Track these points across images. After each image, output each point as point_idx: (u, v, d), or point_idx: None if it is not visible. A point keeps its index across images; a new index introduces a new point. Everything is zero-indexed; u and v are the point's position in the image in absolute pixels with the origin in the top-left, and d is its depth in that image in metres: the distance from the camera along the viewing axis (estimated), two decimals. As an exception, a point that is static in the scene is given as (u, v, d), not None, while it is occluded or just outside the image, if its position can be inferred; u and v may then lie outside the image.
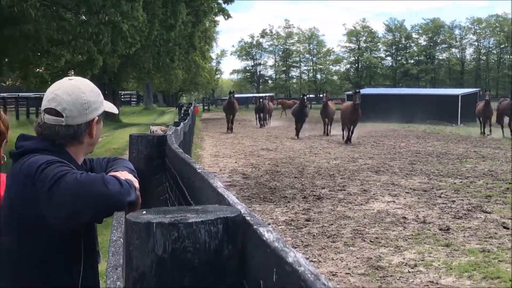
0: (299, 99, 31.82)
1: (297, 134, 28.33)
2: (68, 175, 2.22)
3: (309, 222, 9.86)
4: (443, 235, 8.91)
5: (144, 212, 1.25)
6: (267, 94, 74.25)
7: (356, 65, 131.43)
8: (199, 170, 2.06)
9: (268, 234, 1.07)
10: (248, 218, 1.21)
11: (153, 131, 6.90)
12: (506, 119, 27.61)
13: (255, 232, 1.12)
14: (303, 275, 0.88)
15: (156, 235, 1.16)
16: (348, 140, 25.28)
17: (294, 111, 29.71)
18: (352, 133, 25.63)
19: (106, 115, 2.76)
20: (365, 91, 60.06)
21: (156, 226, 1.16)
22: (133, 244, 1.19)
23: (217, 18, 63.63)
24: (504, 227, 9.35)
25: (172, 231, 1.16)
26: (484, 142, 25.65)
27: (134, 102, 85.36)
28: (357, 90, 27.24)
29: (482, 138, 28.04)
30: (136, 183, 2.47)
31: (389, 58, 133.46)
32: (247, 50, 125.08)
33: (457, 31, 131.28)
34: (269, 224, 9.55)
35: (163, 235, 1.16)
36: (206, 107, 76.65)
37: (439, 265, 7.33)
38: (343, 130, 26.48)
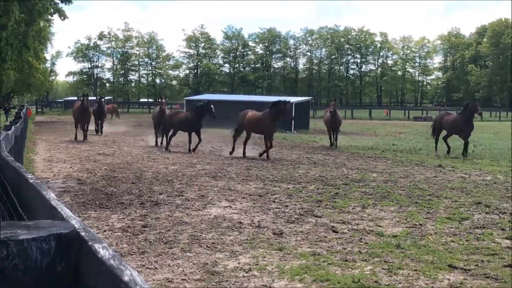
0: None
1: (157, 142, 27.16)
2: None
3: (146, 229, 9.79)
4: (276, 239, 9.20)
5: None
6: (106, 98, 72.50)
7: (195, 71, 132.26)
8: (31, 181, 1.99)
9: (104, 251, 1.07)
10: (82, 233, 1.19)
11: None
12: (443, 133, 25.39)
13: (90, 249, 1.11)
14: (139, 294, 0.89)
15: (-18, 254, 1.11)
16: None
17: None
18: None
19: None
20: (204, 97, 60.61)
21: (-17, 244, 1.11)
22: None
23: (53, 18, 61.22)
24: (333, 231, 9.83)
25: (1, 249, 1.12)
26: (315, 148, 26.81)
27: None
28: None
29: (331, 147, 27.04)
30: None
31: (227, 65, 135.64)
32: (84, 52, 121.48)
33: (291, 41, 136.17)
34: (104, 231, 9.38)
35: (-9, 254, 1.11)
36: (40, 110, 73.63)
37: (272, 269, 7.57)
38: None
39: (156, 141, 27.10)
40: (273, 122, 22.14)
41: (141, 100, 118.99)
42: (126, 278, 0.94)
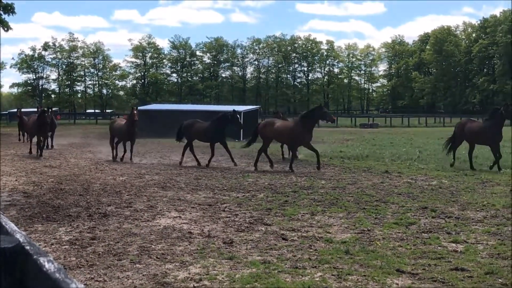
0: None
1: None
2: None
3: (94, 241, 9.66)
4: (226, 248, 9.19)
5: None
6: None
7: (143, 80, 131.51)
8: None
9: (49, 265, 1.06)
10: (27, 247, 1.18)
11: None
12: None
13: (35, 262, 1.10)
14: (84, 306, 0.89)
15: None
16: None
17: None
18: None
19: None
20: (152, 107, 60.28)
21: None
22: None
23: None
24: (283, 239, 9.88)
25: None
26: (264, 157, 26.84)
27: None
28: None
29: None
30: None
31: (174, 74, 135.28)
32: (28, 63, 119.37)
33: (239, 50, 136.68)
34: (52, 244, 9.21)
35: None
36: (-17, 122, 72.06)
37: (223, 278, 7.56)
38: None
39: (113, 154, 24.80)
40: (309, 130, 21.14)
41: (87, 111, 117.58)
42: (72, 291, 0.93)
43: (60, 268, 1.01)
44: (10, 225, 1.38)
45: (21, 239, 1.21)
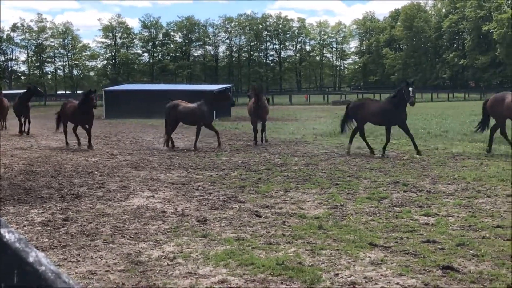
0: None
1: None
2: None
3: (67, 222, 9.60)
4: (200, 226, 9.20)
5: None
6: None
7: (113, 61, 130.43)
8: None
9: (9, 235, 1.05)
10: (-12, 220, 1.17)
11: None
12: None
13: (-4, 234, 1.08)
14: (44, 274, 0.88)
15: None
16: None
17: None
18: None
19: None
20: (123, 87, 59.88)
21: None
22: None
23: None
24: (257, 215, 9.91)
25: None
26: (237, 135, 26.89)
27: None
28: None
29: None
30: None
31: (146, 54, 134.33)
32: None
33: (210, 29, 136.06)
34: (24, 226, 9.14)
35: None
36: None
37: (197, 255, 7.57)
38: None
39: (66, 141, 22.53)
40: (400, 109, 18.72)
41: (58, 92, 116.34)
42: (31, 260, 0.92)
43: (21, 238, 1.00)
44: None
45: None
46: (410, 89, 18.30)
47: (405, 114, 18.94)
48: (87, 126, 21.74)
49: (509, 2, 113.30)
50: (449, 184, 12.90)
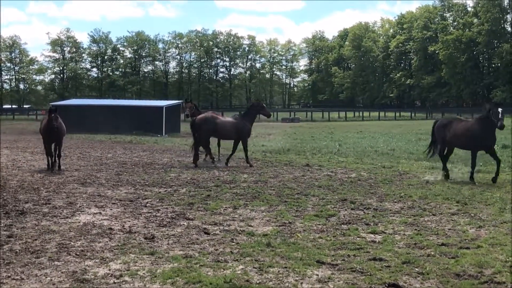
0: None
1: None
2: None
3: (11, 239, 9.38)
4: (148, 243, 9.11)
5: None
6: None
7: (61, 75, 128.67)
8: None
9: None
10: None
11: None
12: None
13: None
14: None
15: None
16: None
17: None
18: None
19: None
20: (71, 102, 59.10)
21: None
22: None
23: None
24: (205, 233, 9.87)
25: None
26: (187, 152, 26.74)
27: None
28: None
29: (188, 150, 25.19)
30: None
31: (95, 69, 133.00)
32: None
33: (160, 45, 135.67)
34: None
35: None
36: None
37: (144, 273, 7.49)
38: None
39: (49, 163, 19.89)
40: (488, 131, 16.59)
41: (4, 106, 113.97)
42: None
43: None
44: None
45: None
46: (500, 110, 15.96)
47: (494, 138, 16.93)
48: (53, 144, 19.87)
49: (455, 23, 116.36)
50: (395, 202, 13.10)
